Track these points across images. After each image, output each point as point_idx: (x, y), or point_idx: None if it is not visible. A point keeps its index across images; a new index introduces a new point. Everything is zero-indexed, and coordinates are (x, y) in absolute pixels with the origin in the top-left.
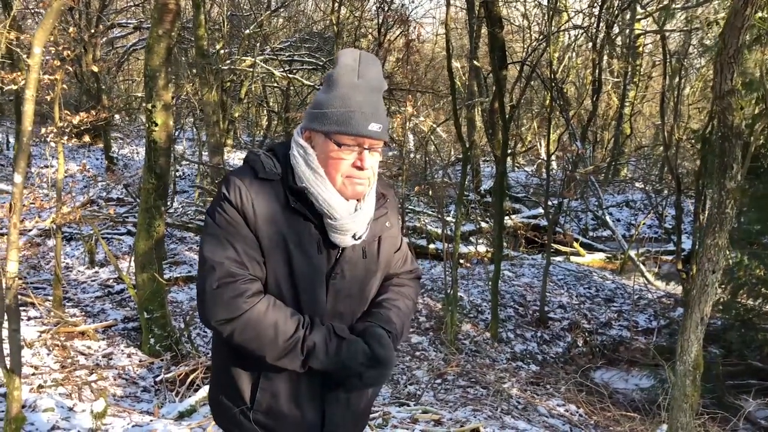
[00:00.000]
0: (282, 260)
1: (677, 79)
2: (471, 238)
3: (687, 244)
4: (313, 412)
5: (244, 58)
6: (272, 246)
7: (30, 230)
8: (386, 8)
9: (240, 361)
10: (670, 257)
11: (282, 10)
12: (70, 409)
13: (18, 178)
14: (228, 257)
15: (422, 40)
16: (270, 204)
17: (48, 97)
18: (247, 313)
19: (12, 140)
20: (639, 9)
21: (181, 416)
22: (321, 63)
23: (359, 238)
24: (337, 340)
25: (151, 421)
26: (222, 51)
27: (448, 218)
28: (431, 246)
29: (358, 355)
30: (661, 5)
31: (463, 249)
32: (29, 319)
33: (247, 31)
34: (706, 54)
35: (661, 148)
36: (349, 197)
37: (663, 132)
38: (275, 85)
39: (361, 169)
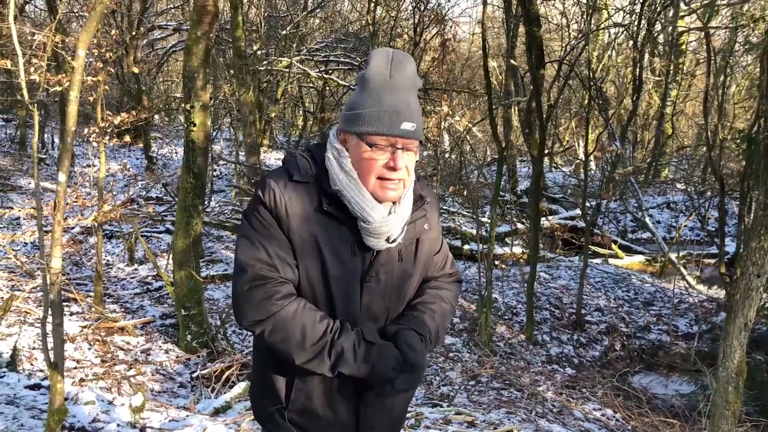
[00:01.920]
0: (315, 263)
1: (722, 78)
2: (506, 239)
3: (731, 247)
4: (348, 413)
5: (280, 58)
6: (305, 248)
7: (72, 228)
8: (422, 8)
9: (276, 360)
10: (712, 260)
11: (318, 10)
12: (110, 402)
13: (62, 177)
14: (259, 259)
15: (458, 39)
16: (304, 206)
17: (91, 98)
18: (276, 315)
19: (57, 140)
20: (682, 6)
21: (217, 412)
22: (356, 63)
23: (394, 241)
24: (366, 344)
25: (187, 416)
26: (259, 52)
27: (483, 219)
28: (466, 247)
29: (388, 360)
30: (705, 2)
31: (498, 250)
32: (71, 314)
33: (284, 32)
34: (753, 51)
35: (704, 148)
36: (383, 200)
37: (707, 132)
38: (311, 85)
39: (394, 169)
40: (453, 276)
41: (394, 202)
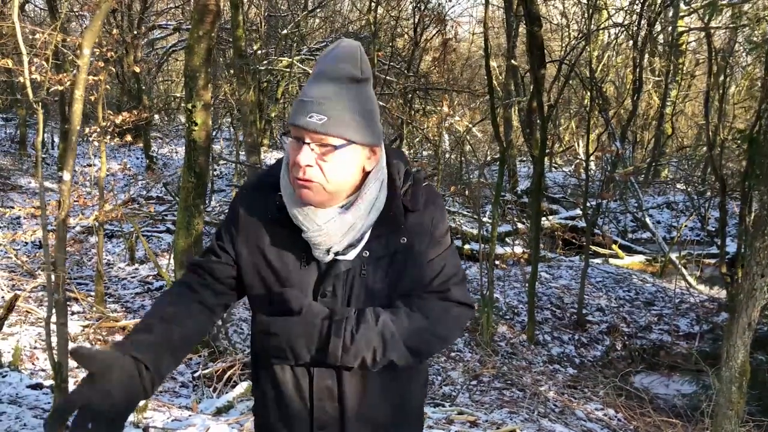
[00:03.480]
0: (264, 273)
1: (722, 78)
2: (507, 239)
3: (731, 247)
4: (301, 423)
5: (281, 58)
6: (254, 259)
7: (73, 227)
8: (422, 7)
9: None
10: (712, 260)
11: (319, 10)
12: None
13: (66, 176)
14: (208, 248)
15: (459, 39)
16: (258, 215)
17: (92, 98)
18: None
19: (56, 140)
20: (682, 6)
21: (219, 412)
22: None
23: (337, 254)
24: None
25: (190, 416)
26: (259, 51)
27: (484, 219)
28: (466, 246)
29: None
30: (705, 1)
31: (499, 250)
32: (72, 313)
33: (285, 32)
34: (754, 51)
35: (704, 148)
36: (301, 200)
37: (707, 131)
38: None
39: (295, 164)
40: (441, 293)
41: (343, 211)
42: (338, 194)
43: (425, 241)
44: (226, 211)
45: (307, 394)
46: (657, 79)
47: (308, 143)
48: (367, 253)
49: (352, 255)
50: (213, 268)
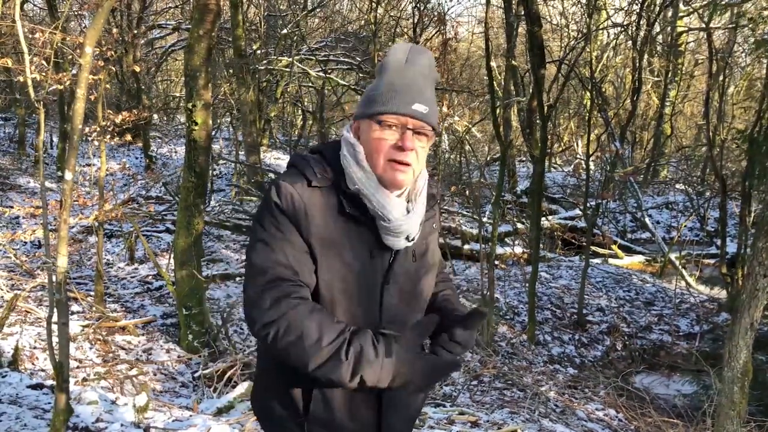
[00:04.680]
0: (335, 268)
1: (721, 78)
2: (507, 239)
3: (731, 247)
4: (371, 420)
5: (280, 58)
6: (326, 254)
7: (73, 227)
8: (422, 7)
9: (289, 368)
10: (712, 260)
11: (318, 9)
12: (113, 402)
13: (68, 175)
14: (278, 262)
15: (458, 39)
16: (324, 211)
17: (92, 97)
18: (291, 312)
19: (55, 139)
20: (681, 6)
21: (220, 412)
22: (356, 63)
23: (412, 239)
24: (385, 339)
25: (191, 416)
26: (259, 51)
27: (484, 219)
28: (466, 247)
29: (415, 360)
30: (705, 1)
31: (498, 250)
32: (72, 313)
33: (284, 31)
34: (755, 51)
35: (703, 148)
36: (392, 184)
37: (708, 131)
38: (310, 84)
39: (402, 149)
40: (444, 269)
41: (409, 201)
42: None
43: (438, 227)
44: (272, 216)
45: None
46: (656, 79)
47: (411, 129)
48: (418, 235)
49: (417, 239)
50: (307, 283)
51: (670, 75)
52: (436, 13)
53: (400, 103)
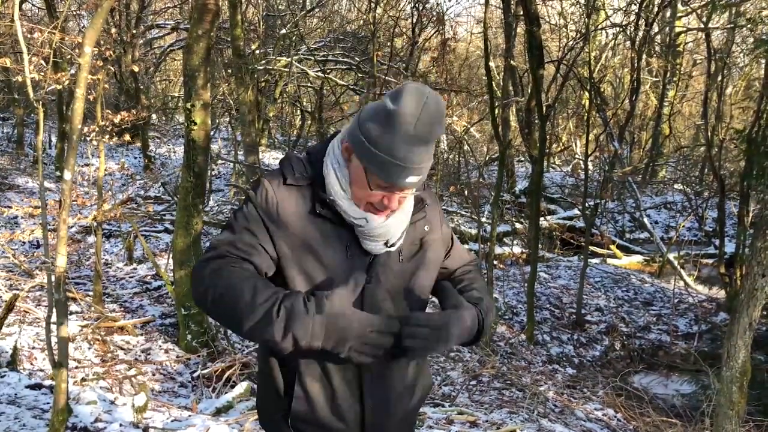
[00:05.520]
0: (309, 266)
1: (720, 78)
2: (505, 239)
3: (729, 247)
4: (354, 418)
5: (279, 58)
6: (298, 251)
7: (71, 227)
8: (421, 7)
9: (276, 364)
10: (710, 260)
11: (317, 9)
12: (112, 402)
13: (68, 175)
14: (231, 242)
15: (458, 39)
16: (296, 209)
17: (90, 97)
18: (228, 278)
19: (53, 139)
20: (680, 6)
21: (219, 412)
22: (355, 63)
23: (392, 245)
24: (316, 297)
25: (190, 416)
26: (258, 51)
27: (483, 219)
28: (464, 246)
29: (352, 315)
30: (704, 2)
31: (497, 250)
32: (71, 313)
33: (283, 31)
34: (755, 51)
35: (702, 148)
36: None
37: (706, 131)
38: (309, 84)
39: (386, 207)
40: (472, 263)
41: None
42: None
43: (441, 228)
44: (244, 207)
45: (355, 384)
46: (655, 79)
47: (398, 192)
48: (401, 243)
49: (398, 245)
50: (254, 261)
51: (668, 75)
52: (434, 13)
53: (395, 176)
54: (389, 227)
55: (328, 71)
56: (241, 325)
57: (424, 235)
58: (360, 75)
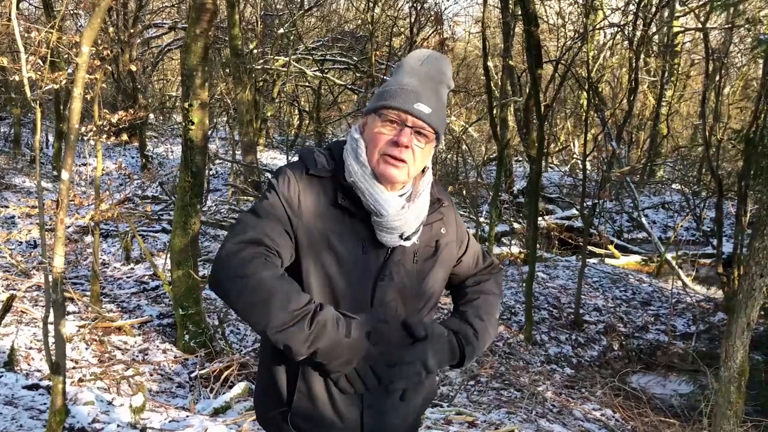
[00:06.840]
0: (325, 258)
1: (717, 78)
2: (504, 239)
3: (727, 247)
4: (354, 418)
5: (277, 57)
6: (315, 243)
7: (68, 227)
8: (419, 7)
9: (280, 362)
10: (708, 260)
11: (315, 9)
12: (109, 402)
13: (65, 175)
14: (262, 228)
15: (456, 38)
16: (317, 200)
17: (88, 97)
18: (264, 274)
19: (51, 139)
20: (678, 6)
21: (216, 412)
22: (353, 62)
23: (407, 238)
24: (347, 319)
25: (187, 416)
26: (255, 50)
27: (481, 219)
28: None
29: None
30: (702, 1)
31: (495, 250)
32: (68, 313)
33: (281, 31)
34: (753, 50)
35: (699, 148)
36: (385, 179)
37: (704, 132)
38: (307, 84)
39: (397, 144)
40: (490, 267)
41: (408, 200)
42: (410, 180)
43: (458, 230)
44: (268, 194)
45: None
46: (653, 79)
47: (410, 126)
48: (418, 241)
49: (412, 241)
50: (282, 255)
51: (666, 75)
52: (433, 13)
53: (403, 100)
54: (406, 219)
55: (326, 71)
56: (268, 323)
57: (440, 237)
58: (358, 74)
